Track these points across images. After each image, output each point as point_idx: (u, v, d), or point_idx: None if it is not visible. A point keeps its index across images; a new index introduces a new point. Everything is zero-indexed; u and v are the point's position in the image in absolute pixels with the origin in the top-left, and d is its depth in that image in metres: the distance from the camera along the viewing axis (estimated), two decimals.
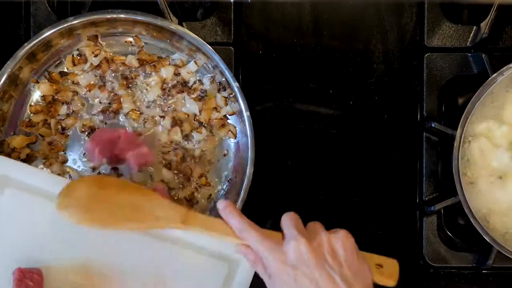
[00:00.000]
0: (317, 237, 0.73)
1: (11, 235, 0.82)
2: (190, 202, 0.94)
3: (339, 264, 0.71)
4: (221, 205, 0.78)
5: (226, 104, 0.94)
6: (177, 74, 0.94)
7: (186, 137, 0.94)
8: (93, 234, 0.81)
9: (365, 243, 0.99)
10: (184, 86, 0.94)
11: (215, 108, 0.94)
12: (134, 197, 0.81)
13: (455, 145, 0.88)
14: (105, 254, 0.82)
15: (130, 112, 0.93)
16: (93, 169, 0.93)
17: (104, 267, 0.82)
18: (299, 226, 0.75)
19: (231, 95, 0.94)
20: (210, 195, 0.95)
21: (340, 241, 0.73)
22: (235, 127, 0.95)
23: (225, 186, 0.95)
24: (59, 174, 0.93)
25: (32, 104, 0.94)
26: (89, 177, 0.87)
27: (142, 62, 0.94)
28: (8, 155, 0.92)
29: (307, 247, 0.71)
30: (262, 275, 0.76)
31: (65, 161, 0.94)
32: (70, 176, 0.93)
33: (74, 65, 0.94)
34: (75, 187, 0.80)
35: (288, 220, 0.76)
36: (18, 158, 0.92)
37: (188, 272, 0.83)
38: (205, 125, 0.94)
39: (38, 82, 0.94)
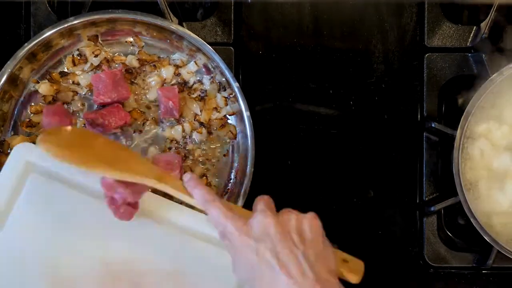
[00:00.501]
0: (285, 214, 0.73)
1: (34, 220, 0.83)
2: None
3: (303, 243, 0.70)
4: (186, 177, 0.78)
5: (226, 104, 0.94)
6: (177, 74, 0.94)
7: (186, 137, 0.94)
8: (112, 224, 0.81)
9: (365, 243, 1.00)
10: (184, 86, 0.94)
11: (215, 108, 0.94)
12: (114, 149, 0.83)
13: (455, 145, 0.88)
14: (123, 245, 0.82)
15: (132, 112, 0.93)
16: None
17: (121, 259, 0.82)
18: (269, 204, 0.75)
19: (231, 95, 0.94)
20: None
21: (307, 221, 0.72)
22: (235, 127, 0.95)
23: (225, 186, 0.95)
24: None
25: (32, 104, 0.94)
26: (73, 127, 0.89)
27: (142, 62, 0.94)
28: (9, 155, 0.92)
29: (273, 221, 0.71)
30: (228, 248, 0.74)
31: None
32: None
33: (74, 65, 0.94)
34: (59, 129, 0.84)
35: (260, 200, 0.75)
36: None
37: (202, 263, 0.82)
38: (205, 125, 0.94)
39: (38, 82, 0.94)
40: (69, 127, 0.85)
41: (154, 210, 0.83)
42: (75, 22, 0.89)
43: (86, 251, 0.82)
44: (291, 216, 0.73)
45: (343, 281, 0.74)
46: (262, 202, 0.75)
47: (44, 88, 0.93)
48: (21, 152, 0.84)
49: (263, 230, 0.71)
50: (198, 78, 0.95)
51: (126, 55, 0.95)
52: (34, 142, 0.93)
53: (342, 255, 0.79)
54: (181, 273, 0.82)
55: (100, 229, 0.82)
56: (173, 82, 0.94)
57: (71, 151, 0.79)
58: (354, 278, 0.77)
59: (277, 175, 1.00)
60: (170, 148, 0.93)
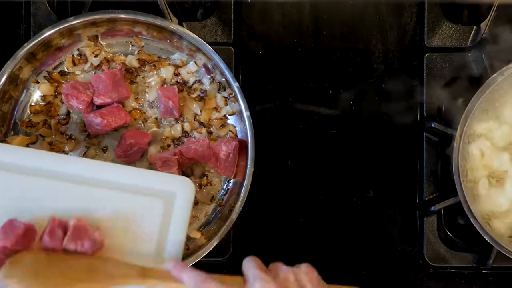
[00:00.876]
0: (281, 274, 0.71)
1: None
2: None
3: None
4: (169, 265, 0.75)
5: (226, 104, 0.94)
6: (177, 74, 0.94)
7: (187, 136, 0.94)
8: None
9: (365, 243, 1.00)
10: (184, 86, 0.94)
11: (215, 108, 0.94)
12: (87, 260, 0.76)
13: (455, 145, 0.88)
14: (38, 201, 0.78)
15: (132, 112, 0.93)
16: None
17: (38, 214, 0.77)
18: (261, 267, 0.73)
19: (231, 95, 0.94)
20: (213, 196, 0.95)
21: (305, 275, 0.71)
22: (235, 127, 0.95)
23: (225, 186, 0.95)
24: None
25: (32, 104, 0.94)
26: (36, 248, 0.78)
27: (142, 62, 0.94)
28: None
29: (274, 285, 0.69)
30: None
31: None
32: None
33: (74, 65, 0.94)
34: (22, 256, 0.75)
35: (250, 263, 0.73)
36: None
37: (121, 214, 0.79)
38: (205, 125, 0.94)
39: (38, 82, 0.94)
40: (31, 254, 0.75)
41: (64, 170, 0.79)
42: (75, 22, 0.89)
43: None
44: (289, 275, 0.71)
45: None
46: (254, 266, 0.72)
47: (44, 88, 0.93)
48: None
49: None
50: (198, 78, 0.95)
51: (126, 55, 0.95)
52: (34, 142, 0.93)
53: None
54: (103, 228, 0.78)
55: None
56: (172, 82, 0.94)
57: (44, 279, 0.72)
58: None
59: (277, 175, 1.00)
60: (169, 146, 0.94)
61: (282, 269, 0.72)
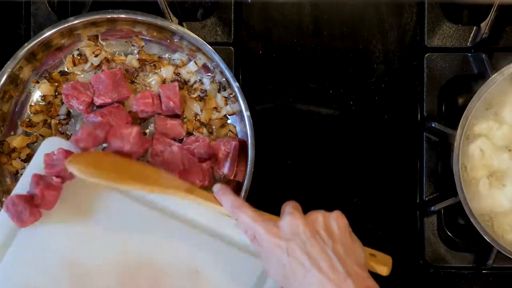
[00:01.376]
0: (312, 214, 0.75)
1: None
2: None
3: (332, 239, 0.73)
4: (216, 187, 0.80)
5: (226, 104, 0.94)
6: (177, 73, 0.94)
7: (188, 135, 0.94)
8: (134, 219, 0.83)
9: (365, 243, 0.99)
10: (184, 85, 0.94)
11: (215, 108, 0.94)
12: (144, 168, 0.84)
13: (455, 145, 0.88)
14: (144, 240, 0.83)
15: (132, 111, 0.93)
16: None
17: (141, 254, 0.83)
18: (296, 207, 0.77)
19: (231, 95, 0.94)
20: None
21: (334, 218, 0.75)
22: (235, 127, 0.95)
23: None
24: None
25: (32, 104, 0.94)
26: (102, 151, 0.87)
27: (142, 62, 0.94)
28: (9, 155, 0.92)
29: (301, 220, 0.73)
30: (258, 252, 0.76)
31: None
32: None
33: (75, 65, 0.94)
34: (87, 152, 0.82)
35: (288, 203, 0.78)
36: (18, 158, 0.93)
37: (222, 265, 0.82)
38: (206, 125, 0.94)
39: (38, 82, 0.94)
40: (98, 151, 0.85)
41: (176, 209, 0.83)
42: (75, 22, 0.89)
43: (106, 245, 0.83)
44: (318, 215, 0.75)
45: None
46: (290, 205, 0.77)
47: (44, 88, 0.93)
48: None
49: (292, 230, 0.73)
50: (198, 78, 0.95)
51: (126, 55, 0.95)
52: (33, 142, 0.93)
53: (369, 250, 0.81)
54: (201, 273, 0.82)
55: (120, 224, 0.83)
56: (173, 79, 0.94)
57: (102, 169, 0.79)
58: (383, 270, 0.80)
59: (277, 175, 1.00)
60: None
61: (315, 211, 0.76)
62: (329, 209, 0.99)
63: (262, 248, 0.74)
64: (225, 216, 0.80)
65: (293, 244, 0.72)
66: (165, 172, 0.84)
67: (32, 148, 0.93)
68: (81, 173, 0.77)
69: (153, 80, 0.94)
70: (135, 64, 0.94)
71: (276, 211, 0.99)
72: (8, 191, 0.92)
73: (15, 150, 0.93)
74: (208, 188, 0.94)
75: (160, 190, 0.80)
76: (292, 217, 0.74)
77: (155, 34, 0.94)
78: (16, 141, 0.92)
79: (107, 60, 0.94)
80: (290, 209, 0.76)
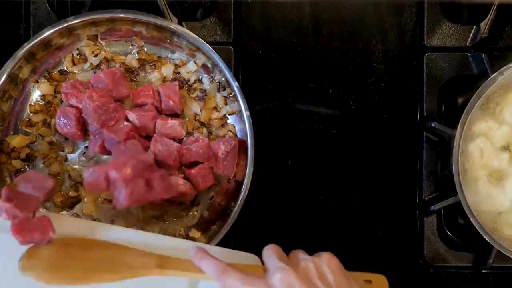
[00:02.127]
0: (302, 263, 0.71)
1: None
2: (192, 203, 0.94)
3: (329, 287, 0.69)
4: (192, 252, 0.75)
5: (226, 104, 0.94)
6: (176, 73, 0.94)
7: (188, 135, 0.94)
8: None
9: (365, 243, 1.00)
10: (184, 84, 0.94)
11: (215, 108, 0.94)
12: (105, 251, 0.77)
13: (455, 145, 0.88)
14: None
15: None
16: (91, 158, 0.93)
17: None
18: (281, 256, 0.73)
19: (230, 95, 0.94)
20: (212, 196, 0.95)
21: (326, 263, 0.71)
22: (234, 126, 0.95)
23: (225, 186, 0.95)
24: (58, 174, 0.93)
25: (32, 103, 0.94)
26: (53, 239, 0.78)
27: (142, 62, 0.94)
28: (8, 154, 0.92)
29: (295, 276, 0.69)
30: None
31: (65, 160, 0.94)
32: (69, 176, 0.93)
33: (74, 64, 0.94)
34: (39, 248, 0.75)
35: (269, 251, 0.73)
36: (18, 158, 0.93)
37: None
38: (206, 125, 0.94)
39: (37, 82, 0.94)
40: (49, 244, 0.75)
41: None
42: (75, 21, 0.89)
43: None
44: (309, 264, 0.71)
45: None
46: (273, 256, 0.72)
47: (43, 87, 0.93)
48: None
49: (286, 286, 0.68)
50: (197, 77, 0.95)
51: (126, 54, 0.95)
52: (33, 142, 0.93)
53: (363, 276, 0.79)
54: None
55: None
56: (173, 78, 0.94)
57: (63, 272, 0.73)
58: None
59: (277, 175, 0.99)
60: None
61: (303, 258, 0.72)
62: (329, 209, 0.99)
63: None
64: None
65: None
66: (128, 248, 0.78)
67: (31, 147, 0.93)
68: (39, 280, 0.72)
69: (153, 77, 0.94)
70: (135, 64, 0.94)
71: (276, 211, 0.99)
72: None
73: (15, 150, 0.93)
74: (211, 188, 0.94)
75: (130, 274, 0.74)
76: (283, 272, 0.69)
77: (154, 33, 0.94)
78: (16, 140, 0.92)
79: (107, 60, 0.94)
80: (276, 261, 0.71)
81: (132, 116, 0.89)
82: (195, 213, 0.94)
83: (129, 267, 0.75)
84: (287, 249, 0.95)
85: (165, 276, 0.75)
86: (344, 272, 0.72)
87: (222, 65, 0.89)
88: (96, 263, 0.74)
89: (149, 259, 0.76)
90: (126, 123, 0.89)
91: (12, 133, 0.94)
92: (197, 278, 0.75)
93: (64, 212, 0.93)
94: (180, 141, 0.93)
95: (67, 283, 0.73)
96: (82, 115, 0.89)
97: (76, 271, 0.73)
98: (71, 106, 0.90)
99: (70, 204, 0.93)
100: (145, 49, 0.95)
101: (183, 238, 0.92)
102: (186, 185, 0.89)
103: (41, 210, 0.88)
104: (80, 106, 0.89)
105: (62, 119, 0.90)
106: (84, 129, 0.92)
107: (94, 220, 0.92)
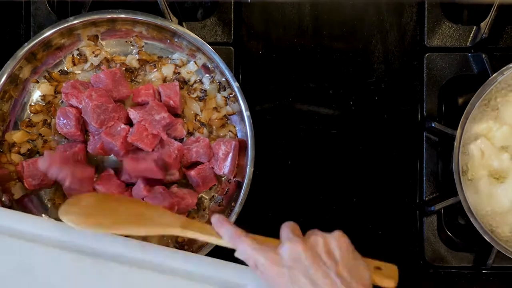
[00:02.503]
0: (311, 237, 0.73)
1: None
2: (199, 207, 0.95)
3: (334, 262, 0.71)
4: (214, 219, 0.79)
5: (226, 104, 0.94)
6: (177, 73, 0.94)
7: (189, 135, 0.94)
8: (83, 272, 0.80)
9: (365, 243, 0.99)
10: (184, 84, 0.94)
11: (215, 108, 0.94)
12: (136, 206, 0.84)
13: (455, 145, 0.88)
14: None
15: None
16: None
17: None
18: (295, 230, 0.75)
19: (231, 95, 0.94)
20: (213, 196, 0.95)
21: (335, 240, 0.73)
22: (235, 127, 0.95)
23: (225, 186, 0.95)
24: None
25: (32, 104, 0.94)
26: (92, 193, 0.89)
27: (142, 62, 0.94)
28: (9, 150, 0.92)
29: (302, 247, 0.71)
30: (262, 280, 0.75)
31: None
32: None
33: (74, 65, 0.94)
34: (80, 198, 0.84)
35: (286, 227, 0.76)
36: (18, 153, 0.92)
37: None
38: (206, 125, 0.94)
39: (38, 82, 0.94)
40: (89, 195, 0.86)
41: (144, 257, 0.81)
42: (75, 22, 0.89)
43: None
44: (318, 238, 0.73)
45: None
46: (288, 229, 0.75)
47: (43, 88, 0.93)
48: None
49: (293, 256, 0.71)
50: (198, 77, 0.95)
51: (126, 55, 0.95)
52: (33, 140, 0.93)
53: (374, 263, 0.79)
54: None
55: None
56: (173, 78, 0.94)
57: (95, 219, 0.80)
58: (390, 283, 0.78)
59: (277, 175, 1.00)
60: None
61: (314, 233, 0.74)
62: (329, 209, 1.00)
63: (265, 276, 0.73)
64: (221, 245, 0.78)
65: (296, 272, 0.70)
66: (157, 206, 0.85)
67: (32, 143, 0.93)
68: (75, 225, 0.77)
69: (154, 77, 0.94)
70: (135, 64, 0.94)
71: (276, 211, 0.99)
72: (7, 190, 0.92)
73: (15, 145, 0.93)
74: (211, 188, 0.94)
75: (155, 230, 0.80)
76: (292, 243, 0.72)
77: (155, 34, 0.94)
78: (16, 136, 0.92)
79: (107, 60, 0.94)
80: (288, 233, 0.74)
81: (133, 113, 0.89)
82: (201, 216, 0.94)
83: (155, 224, 0.80)
84: None
85: (185, 237, 0.80)
86: (353, 252, 0.74)
87: (222, 65, 0.89)
88: (126, 216, 0.81)
89: (175, 219, 0.81)
90: (123, 126, 0.89)
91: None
92: (214, 242, 0.79)
93: None
94: (181, 141, 0.93)
95: (96, 229, 0.79)
96: (82, 114, 0.90)
97: (106, 220, 0.80)
98: (71, 106, 0.91)
99: None
100: (146, 49, 0.95)
101: (183, 238, 0.93)
102: (185, 193, 0.91)
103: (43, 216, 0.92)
104: (80, 106, 0.89)
105: (62, 119, 0.90)
106: (84, 129, 0.92)
107: None
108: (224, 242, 0.77)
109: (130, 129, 0.89)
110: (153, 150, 0.89)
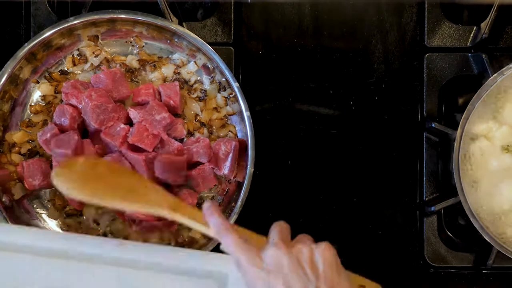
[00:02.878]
0: (297, 246, 0.71)
1: None
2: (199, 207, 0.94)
3: (316, 276, 0.68)
4: (205, 205, 0.76)
5: (226, 104, 0.94)
6: (176, 73, 0.94)
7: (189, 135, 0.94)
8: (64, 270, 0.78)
9: (365, 243, 1.00)
10: (184, 84, 0.94)
11: (215, 108, 0.94)
12: (129, 180, 0.81)
13: (455, 145, 0.88)
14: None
15: None
16: None
17: None
18: (284, 234, 0.73)
19: (231, 95, 0.94)
20: (213, 196, 0.95)
21: (320, 252, 0.70)
22: (235, 127, 0.95)
23: (226, 186, 0.95)
24: None
25: (32, 104, 0.94)
26: (86, 157, 0.87)
27: (142, 62, 0.94)
28: (9, 150, 0.92)
29: (285, 254, 0.69)
30: (243, 279, 0.72)
31: None
32: None
33: (74, 65, 0.94)
34: (72, 162, 0.81)
35: (275, 228, 0.74)
36: (18, 153, 0.92)
37: None
38: (206, 125, 0.94)
39: (38, 82, 0.94)
40: (81, 159, 0.82)
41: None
42: (75, 22, 0.89)
43: None
44: (304, 248, 0.70)
45: None
46: (277, 232, 0.73)
47: (44, 88, 0.93)
48: None
49: (275, 262, 0.69)
50: (198, 78, 0.95)
51: (126, 55, 0.95)
52: (33, 140, 0.93)
53: (358, 279, 0.78)
54: None
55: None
56: (173, 78, 0.94)
57: (85, 185, 0.77)
58: None
59: (277, 175, 1.00)
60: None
61: (301, 241, 0.72)
62: (329, 209, 1.00)
63: (245, 277, 0.71)
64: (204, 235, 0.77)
65: (275, 278, 0.68)
66: (150, 182, 0.82)
67: (32, 144, 0.93)
68: (66, 190, 0.76)
69: (154, 77, 0.94)
70: (135, 64, 0.94)
71: (276, 211, 0.99)
72: (7, 191, 0.92)
73: (15, 145, 0.93)
74: (211, 189, 0.94)
75: (144, 207, 0.77)
76: (276, 248, 0.70)
77: (155, 34, 0.94)
78: (17, 136, 0.92)
79: (107, 60, 0.94)
80: (275, 237, 0.72)
81: (133, 113, 0.89)
82: None
83: (147, 201, 0.78)
84: None
85: (173, 219, 0.77)
86: (337, 266, 0.70)
87: (222, 65, 0.89)
88: (120, 189, 0.78)
89: (166, 201, 0.78)
90: (123, 125, 0.89)
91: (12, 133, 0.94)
92: (202, 231, 0.77)
93: (64, 214, 0.93)
94: (180, 141, 0.93)
95: (87, 198, 0.77)
96: (82, 114, 0.90)
97: (99, 190, 0.77)
98: (71, 105, 0.90)
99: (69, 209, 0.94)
100: (146, 49, 0.95)
101: (184, 239, 0.93)
102: (185, 193, 0.91)
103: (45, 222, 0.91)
104: (80, 107, 0.89)
105: (58, 116, 0.90)
106: (80, 129, 0.92)
107: (95, 222, 0.93)
108: (212, 232, 0.75)
109: (130, 129, 0.89)
110: (153, 150, 0.89)
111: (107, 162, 0.87)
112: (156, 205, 0.77)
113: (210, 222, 0.75)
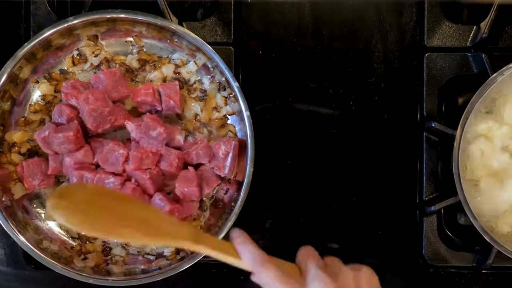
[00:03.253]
0: (341, 276, 0.69)
1: None
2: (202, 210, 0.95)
3: None
4: (235, 234, 0.71)
5: (226, 104, 0.94)
6: (176, 73, 0.94)
7: (189, 135, 0.94)
8: None
9: (365, 243, 1.00)
10: (184, 84, 0.94)
11: (215, 108, 0.94)
12: (140, 210, 0.72)
13: (455, 145, 0.88)
14: None
15: (132, 110, 0.93)
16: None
17: None
18: (319, 262, 0.71)
19: (231, 95, 0.94)
20: (213, 196, 0.95)
21: (365, 280, 0.69)
22: (234, 127, 0.95)
23: (225, 186, 0.95)
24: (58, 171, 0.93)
25: (32, 103, 0.94)
26: (89, 184, 0.79)
27: (142, 62, 0.94)
28: (9, 150, 0.92)
29: (333, 287, 0.66)
30: None
31: None
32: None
33: (74, 65, 0.94)
34: (72, 189, 0.72)
35: (307, 255, 0.71)
36: (18, 153, 0.93)
37: None
38: (206, 125, 0.94)
39: (37, 82, 0.94)
40: (82, 185, 0.74)
41: None
42: (75, 22, 0.89)
43: None
44: (349, 278, 0.68)
45: None
46: (313, 260, 0.70)
47: (43, 88, 0.93)
48: None
49: None
50: (198, 77, 0.95)
51: (126, 55, 0.95)
52: (33, 140, 0.93)
53: None
54: None
55: None
56: (174, 78, 0.94)
57: (91, 217, 0.67)
58: None
59: (277, 175, 0.99)
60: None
61: (342, 270, 0.70)
62: (329, 209, 0.99)
63: None
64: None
65: None
66: (163, 213, 0.75)
67: (32, 143, 0.93)
68: (67, 223, 0.66)
69: (154, 77, 0.94)
70: (135, 64, 0.94)
71: (276, 211, 0.99)
72: (7, 190, 0.92)
73: (15, 145, 0.93)
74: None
75: (161, 241, 0.70)
76: (322, 283, 0.66)
77: (155, 34, 0.94)
78: (16, 135, 0.92)
79: (107, 60, 0.94)
80: (315, 269, 0.68)
81: (131, 126, 0.89)
82: (203, 217, 0.94)
83: (164, 234, 0.69)
84: (287, 248, 0.95)
85: (197, 251, 0.71)
86: None
87: (222, 65, 0.89)
88: (129, 220, 0.68)
89: (187, 231, 0.70)
90: (121, 151, 0.89)
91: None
92: (228, 262, 0.70)
93: None
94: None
95: (92, 232, 0.69)
96: (80, 115, 0.90)
97: (106, 222, 0.67)
98: (70, 106, 0.91)
99: None
100: (145, 49, 0.95)
101: None
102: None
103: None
104: (79, 107, 0.90)
105: (55, 115, 0.90)
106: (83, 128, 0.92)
107: None
108: (243, 264, 0.70)
109: (129, 152, 0.89)
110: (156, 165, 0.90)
111: (111, 190, 0.80)
112: (177, 237, 0.69)
113: (243, 254, 0.70)
